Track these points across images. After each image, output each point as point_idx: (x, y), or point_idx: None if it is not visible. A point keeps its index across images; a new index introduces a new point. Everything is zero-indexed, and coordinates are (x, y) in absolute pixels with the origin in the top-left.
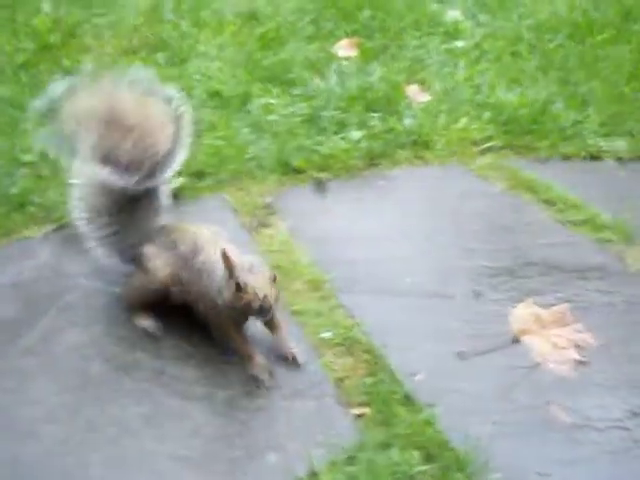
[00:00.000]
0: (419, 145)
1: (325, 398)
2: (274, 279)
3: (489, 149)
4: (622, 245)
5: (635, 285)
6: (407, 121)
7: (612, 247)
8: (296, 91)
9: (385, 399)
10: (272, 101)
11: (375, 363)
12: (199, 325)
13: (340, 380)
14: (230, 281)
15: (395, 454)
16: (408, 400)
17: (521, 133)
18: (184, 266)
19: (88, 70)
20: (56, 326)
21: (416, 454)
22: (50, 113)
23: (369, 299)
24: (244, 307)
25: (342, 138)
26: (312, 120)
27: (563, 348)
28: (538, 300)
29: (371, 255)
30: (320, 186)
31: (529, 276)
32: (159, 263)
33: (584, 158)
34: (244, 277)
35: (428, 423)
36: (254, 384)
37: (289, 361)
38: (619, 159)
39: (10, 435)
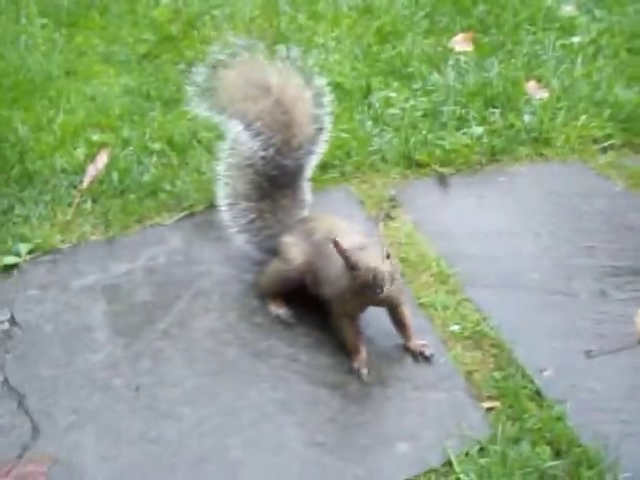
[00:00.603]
0: (539, 142)
1: (456, 391)
2: (388, 255)
3: (609, 147)
4: None
5: None
6: (527, 117)
7: None
8: (415, 85)
9: (515, 393)
10: (392, 94)
11: (503, 357)
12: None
13: (469, 373)
14: (344, 263)
15: (526, 448)
16: (538, 395)
17: None
18: (317, 254)
19: (244, 43)
20: (191, 311)
21: (546, 449)
22: (209, 79)
23: (495, 293)
24: (360, 285)
25: (464, 133)
26: (433, 114)
27: None
28: None
29: (495, 250)
30: (443, 180)
31: None
32: (296, 251)
33: None
34: (356, 256)
35: (558, 419)
36: (355, 376)
37: (417, 356)
38: None
39: (152, 414)
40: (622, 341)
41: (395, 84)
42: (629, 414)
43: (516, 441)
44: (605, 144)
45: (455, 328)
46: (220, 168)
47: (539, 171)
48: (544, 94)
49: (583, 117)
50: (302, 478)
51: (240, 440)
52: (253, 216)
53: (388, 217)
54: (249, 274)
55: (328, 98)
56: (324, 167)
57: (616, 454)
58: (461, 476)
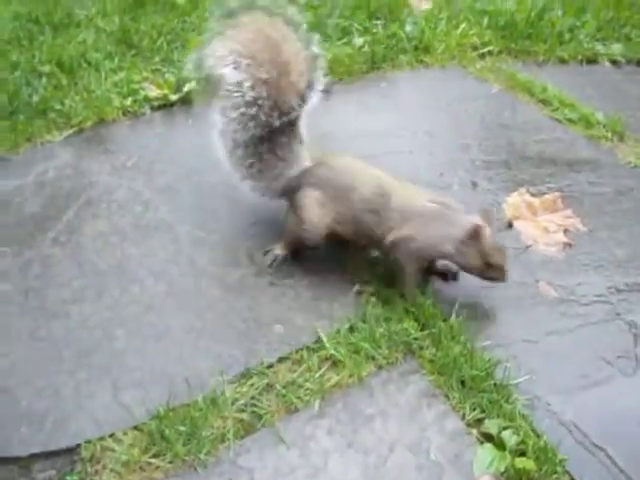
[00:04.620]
0: (420, 50)
1: (329, 275)
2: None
3: (487, 53)
4: (614, 141)
5: (624, 177)
6: (409, 27)
7: (604, 142)
8: (302, 1)
9: (384, 277)
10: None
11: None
12: None
13: (343, 260)
14: (476, 254)
15: (394, 325)
16: None
17: (519, 38)
18: (367, 211)
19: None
20: (80, 218)
21: (413, 324)
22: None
23: None
24: (488, 276)
25: (345, 43)
26: (317, 28)
27: (553, 232)
28: (531, 190)
29: (372, 149)
30: (326, 88)
31: (523, 168)
32: (317, 213)
33: (580, 61)
34: (495, 258)
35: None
36: None
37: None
38: (615, 62)
39: (40, 314)
40: None
41: (281, 1)
42: (491, 290)
43: (385, 319)
44: (483, 50)
45: None
46: (220, 124)
47: (419, 77)
48: (428, 5)
49: (463, 25)
50: (181, 360)
51: (124, 331)
52: (252, 160)
53: None
54: (134, 182)
55: (322, 62)
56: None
57: (477, 326)
58: (332, 351)
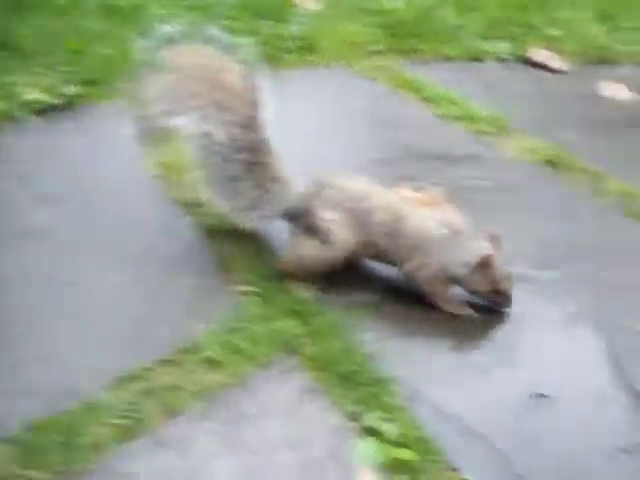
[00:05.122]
0: (306, 50)
1: (210, 277)
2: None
3: (375, 52)
4: (497, 136)
5: (505, 170)
6: (295, 27)
7: (487, 138)
8: (186, 2)
9: (268, 277)
10: (163, 12)
11: (256, 246)
12: None
13: (226, 260)
14: (485, 281)
15: (275, 324)
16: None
17: (407, 36)
18: (386, 235)
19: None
20: None
21: (294, 323)
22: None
23: None
24: (493, 301)
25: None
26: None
27: None
28: (414, 185)
29: None
30: None
31: (408, 165)
32: (346, 233)
33: (466, 59)
34: (503, 285)
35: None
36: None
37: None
38: (500, 60)
39: None
40: None
41: (167, 2)
42: (373, 284)
43: (267, 318)
44: (371, 49)
45: None
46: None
47: (305, 76)
48: (314, 5)
49: (351, 25)
50: (58, 368)
51: None
52: (256, 191)
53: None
54: (14, 189)
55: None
56: (92, 83)
57: (357, 320)
58: (210, 352)
